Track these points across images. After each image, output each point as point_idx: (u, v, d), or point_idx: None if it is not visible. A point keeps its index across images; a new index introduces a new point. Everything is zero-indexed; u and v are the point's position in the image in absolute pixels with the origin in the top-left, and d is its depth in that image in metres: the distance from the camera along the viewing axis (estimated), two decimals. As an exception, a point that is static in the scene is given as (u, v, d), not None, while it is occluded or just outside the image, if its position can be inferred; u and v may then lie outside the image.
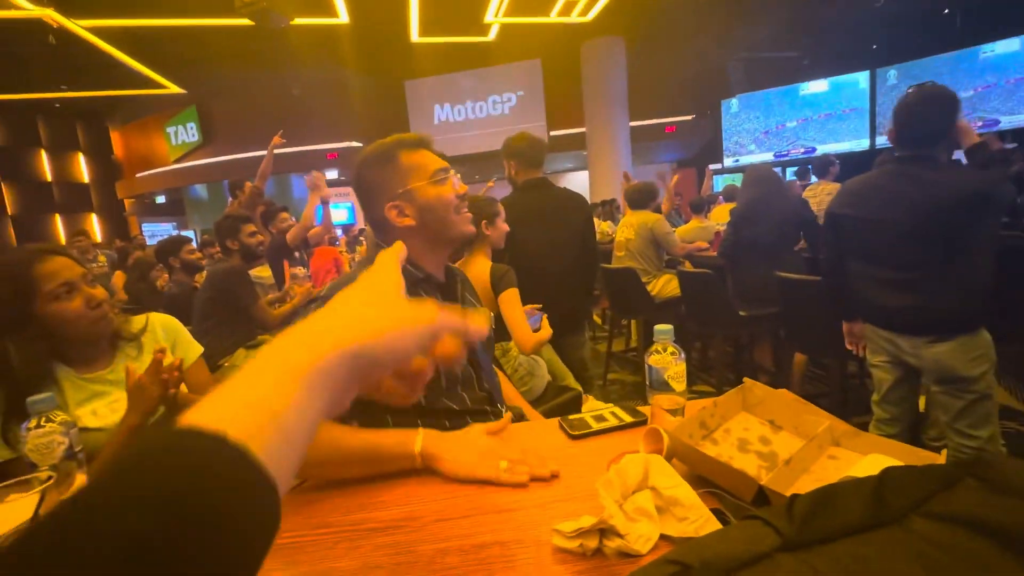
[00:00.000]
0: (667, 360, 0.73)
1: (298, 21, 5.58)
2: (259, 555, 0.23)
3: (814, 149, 7.67)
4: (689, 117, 10.09)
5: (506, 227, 1.75)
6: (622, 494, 0.57)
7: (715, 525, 0.50)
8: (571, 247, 2.10)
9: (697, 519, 0.52)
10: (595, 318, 4.80)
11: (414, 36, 7.38)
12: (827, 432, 0.68)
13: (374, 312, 0.32)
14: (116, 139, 11.27)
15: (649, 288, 3.20)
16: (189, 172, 10.75)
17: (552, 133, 9.02)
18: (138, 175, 11.07)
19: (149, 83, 8.30)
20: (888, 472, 0.43)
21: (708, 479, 0.62)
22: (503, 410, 0.96)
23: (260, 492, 0.23)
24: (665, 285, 3.24)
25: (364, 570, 0.54)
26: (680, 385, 0.73)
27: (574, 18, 6.89)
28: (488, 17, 6.71)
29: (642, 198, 3.28)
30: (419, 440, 0.73)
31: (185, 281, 2.76)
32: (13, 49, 6.34)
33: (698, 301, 2.85)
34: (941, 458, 0.59)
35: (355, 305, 0.33)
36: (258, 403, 0.26)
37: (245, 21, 5.21)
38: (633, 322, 3.80)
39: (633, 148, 8.21)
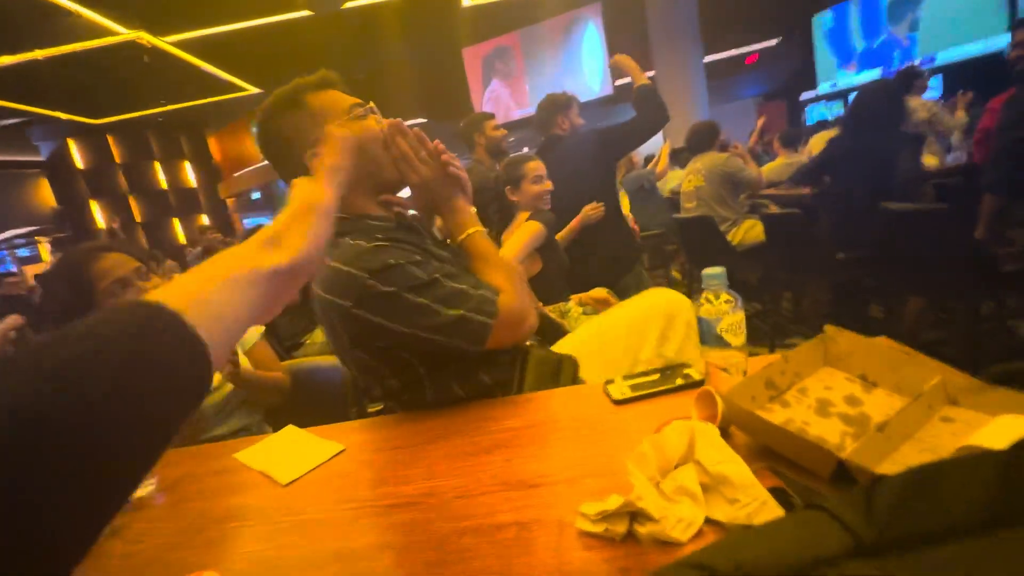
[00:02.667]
0: (720, 309, 0.60)
1: (348, 5, 5.64)
2: (182, 406, 0.28)
3: (932, 59, 6.49)
4: (773, 42, 8.96)
5: (535, 188, 1.63)
6: (661, 470, 0.48)
7: (774, 511, 0.40)
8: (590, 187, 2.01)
9: (750, 502, 0.41)
10: (674, 273, 4.52)
11: (464, 0, 7.19)
12: (939, 387, 0.53)
13: (296, 232, 0.37)
14: (213, 144, 12.38)
15: (730, 237, 2.92)
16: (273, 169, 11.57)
17: (617, 83, 8.46)
18: (235, 175, 12.14)
19: (231, 87, 8.94)
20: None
21: (778, 452, 0.51)
22: None
23: (192, 347, 0.28)
24: (748, 232, 2.93)
25: (375, 549, 0.51)
26: (737, 339, 0.61)
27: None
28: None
29: (702, 139, 2.94)
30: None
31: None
32: (115, 73, 7.08)
33: (787, 246, 2.54)
34: None
35: (278, 229, 0.38)
36: (196, 292, 0.30)
37: (304, 12, 5.35)
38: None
39: (708, 87, 7.47)
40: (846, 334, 0.63)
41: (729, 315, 0.60)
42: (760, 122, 4.53)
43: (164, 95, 8.96)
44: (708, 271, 0.61)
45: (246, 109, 10.89)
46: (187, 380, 0.28)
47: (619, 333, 0.97)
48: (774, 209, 3.00)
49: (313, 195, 0.39)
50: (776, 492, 0.42)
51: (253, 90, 9.48)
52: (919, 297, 2.15)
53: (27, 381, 0.22)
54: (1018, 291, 1.80)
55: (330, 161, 0.42)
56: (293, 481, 0.68)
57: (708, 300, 0.62)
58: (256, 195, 13.69)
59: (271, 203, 13.45)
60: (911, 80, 3.51)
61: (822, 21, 7.27)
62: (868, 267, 2.31)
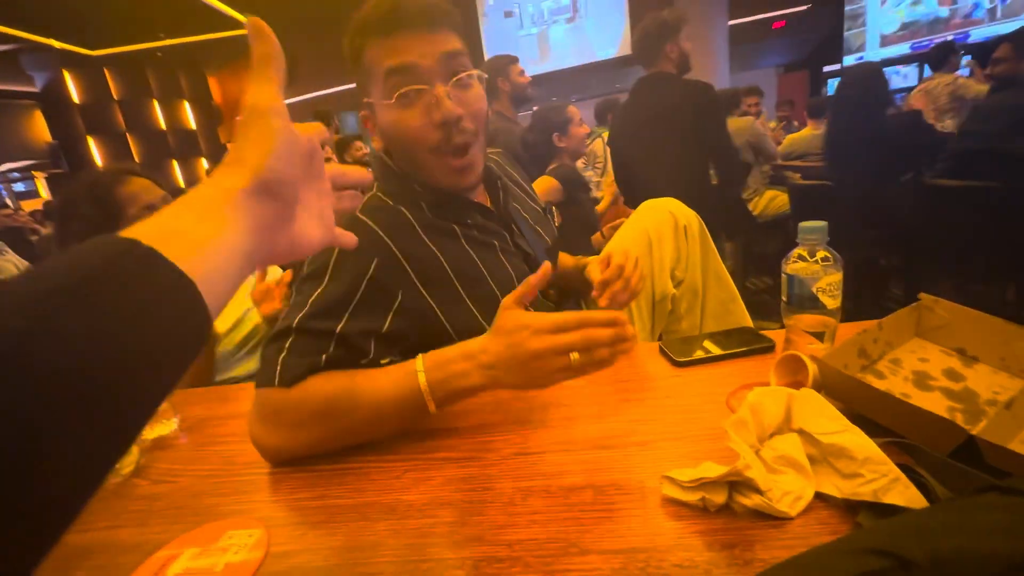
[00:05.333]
0: (816, 268, 0.54)
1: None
2: (180, 354, 0.24)
3: (967, 35, 6.20)
4: (804, 7, 8.54)
5: (583, 130, 1.54)
6: (758, 437, 0.43)
7: (909, 491, 0.35)
8: (670, 152, 1.78)
9: (876, 478, 0.37)
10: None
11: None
12: (1062, 366, 0.48)
13: (252, 143, 0.32)
14: (214, 85, 11.93)
15: (751, 206, 2.83)
16: (277, 113, 11.20)
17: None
18: (237, 118, 11.78)
19: (234, 24, 8.52)
20: None
21: (881, 426, 0.46)
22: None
23: (175, 285, 0.24)
24: (770, 203, 2.85)
25: (433, 505, 0.46)
26: (834, 301, 0.55)
27: None
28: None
29: (728, 101, 2.86)
30: (422, 379, 0.53)
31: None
32: (112, 1, 6.72)
33: (812, 219, 2.46)
34: None
35: (237, 146, 0.33)
36: (170, 225, 0.26)
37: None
38: (729, 246, 3.45)
39: (732, 52, 7.16)
40: (944, 303, 0.57)
41: (826, 274, 0.54)
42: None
43: (163, 28, 8.56)
44: (806, 224, 0.55)
45: (248, 51, 10.45)
46: (178, 318, 0.23)
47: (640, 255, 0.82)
48: (799, 180, 2.90)
49: (255, 100, 0.33)
50: (903, 468, 0.37)
51: (256, 28, 9.08)
52: (946, 280, 2.10)
53: None
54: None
55: (255, 54, 0.35)
56: (328, 428, 0.63)
57: (802, 257, 0.55)
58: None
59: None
60: (946, 56, 3.37)
61: (857, -12, 6.90)
62: (894, 246, 2.25)
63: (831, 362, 0.49)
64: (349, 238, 0.40)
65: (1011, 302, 2.29)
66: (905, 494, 0.35)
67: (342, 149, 3.16)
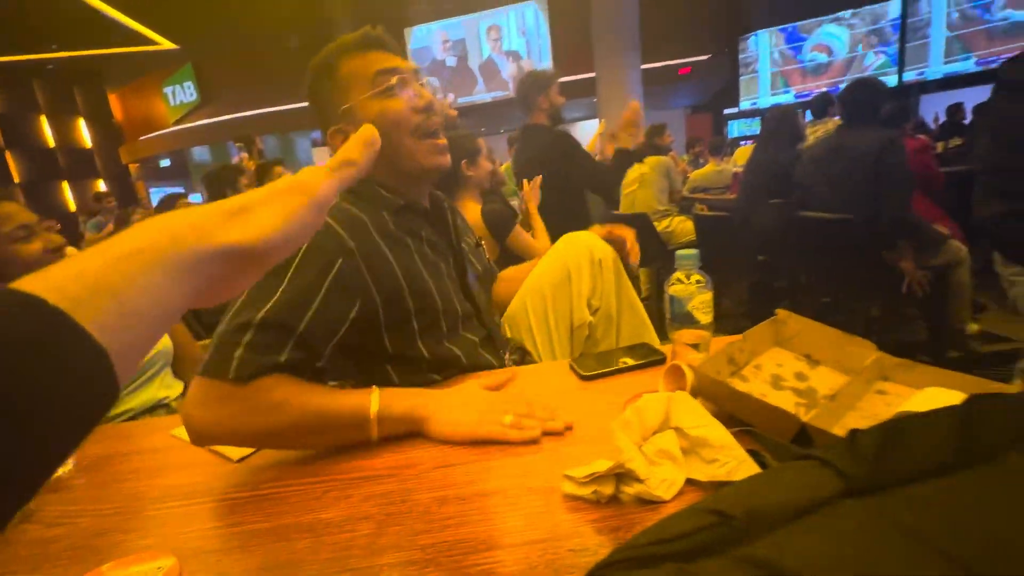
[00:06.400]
0: (691, 289, 0.64)
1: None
2: (77, 425, 0.21)
3: (837, 88, 7.22)
4: (705, 57, 9.53)
5: (489, 165, 1.63)
6: (641, 435, 0.49)
7: (752, 468, 0.43)
8: (549, 190, 2.04)
9: (729, 461, 0.44)
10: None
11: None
12: (875, 365, 0.60)
13: (274, 208, 0.30)
14: (115, 102, 11.04)
15: (663, 227, 3.09)
16: (190, 134, 10.55)
17: (560, 80, 8.59)
18: (141, 139, 10.91)
19: (139, 38, 8.02)
20: (976, 402, 0.35)
21: (740, 419, 0.55)
22: (505, 357, 0.88)
23: (80, 353, 0.21)
24: (678, 226, 3.13)
25: (351, 521, 0.48)
26: (706, 316, 0.65)
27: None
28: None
29: (648, 143, 3.21)
30: (375, 401, 0.60)
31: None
32: (-2, 7, 6.11)
33: (713, 246, 2.73)
34: (1015, 388, 0.51)
35: (254, 199, 0.30)
36: (95, 276, 0.22)
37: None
38: (643, 272, 3.71)
39: (645, 92, 7.81)
40: (795, 317, 0.69)
41: (699, 294, 0.64)
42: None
43: (57, 39, 7.86)
44: (681, 252, 0.64)
45: (158, 66, 9.82)
46: (77, 396, 0.21)
47: (556, 292, 0.94)
48: (704, 211, 3.21)
49: (310, 179, 0.32)
50: (751, 452, 0.45)
51: (167, 45, 8.57)
52: (826, 298, 2.40)
53: None
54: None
55: (344, 155, 0.34)
56: (246, 457, 0.63)
57: (680, 280, 0.65)
58: (165, 162, 12.40)
59: (184, 172, 12.24)
60: (825, 107, 3.91)
61: (747, 41, 7.85)
62: (782, 269, 2.55)
63: (704, 370, 0.58)
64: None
65: (876, 317, 2.66)
66: (750, 473, 0.43)
67: (263, 174, 3.07)
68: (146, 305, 0.24)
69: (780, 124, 2.45)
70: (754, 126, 9.10)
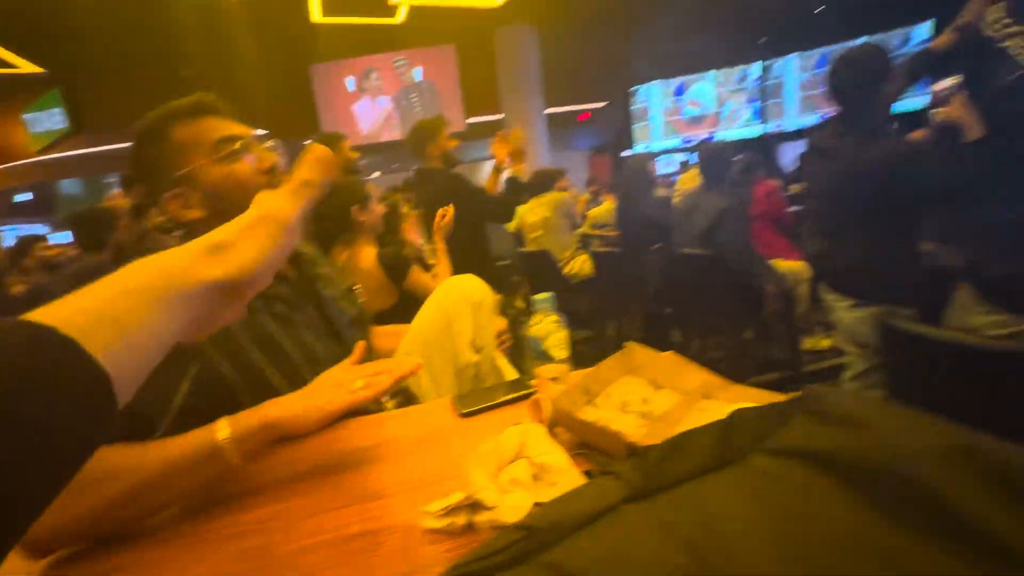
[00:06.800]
0: (547, 328, 0.72)
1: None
2: (82, 446, 0.23)
3: (711, 136, 8.22)
4: (601, 104, 10.42)
5: (382, 209, 1.69)
6: (498, 466, 0.55)
7: (583, 486, 0.50)
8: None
9: (567, 482, 0.51)
10: (517, 303, 4.85)
11: (317, 15, 6.93)
12: (700, 386, 0.71)
13: (251, 242, 0.33)
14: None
15: (567, 268, 3.28)
16: (58, 165, 9.42)
17: (468, 120, 8.91)
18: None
19: (-4, 61, 7.13)
20: (736, 413, 0.45)
21: (590, 444, 0.62)
22: (384, 399, 0.90)
23: (88, 378, 0.23)
24: (583, 265, 3.34)
25: (211, 581, 0.48)
26: (561, 353, 0.73)
27: (483, 3, 6.81)
28: (395, -2, 6.43)
29: (546, 181, 3.42)
30: (223, 427, 0.59)
31: (44, 281, 2.41)
32: None
33: (609, 280, 2.95)
34: (783, 397, 0.63)
35: (231, 232, 0.34)
36: (99, 310, 0.25)
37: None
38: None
39: (551, 134, 8.33)
40: (641, 348, 0.79)
41: (555, 333, 0.72)
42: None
43: None
44: (537, 296, 0.72)
45: (17, 91, 8.73)
46: (83, 418, 0.23)
47: (439, 338, 0.98)
48: (601, 247, 3.47)
49: (275, 205, 0.35)
50: (588, 473, 0.52)
51: (29, 69, 7.69)
52: (707, 326, 2.68)
53: None
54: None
55: (302, 176, 0.37)
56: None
57: (537, 321, 0.73)
58: (23, 196, 10.90)
59: (45, 207, 10.81)
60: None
61: (637, 92, 8.71)
62: (668, 301, 2.82)
63: (560, 402, 0.65)
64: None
65: (750, 340, 3.00)
66: (582, 490, 0.49)
67: (138, 214, 2.84)
68: (145, 337, 0.26)
69: (636, 175, 2.80)
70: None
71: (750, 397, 0.67)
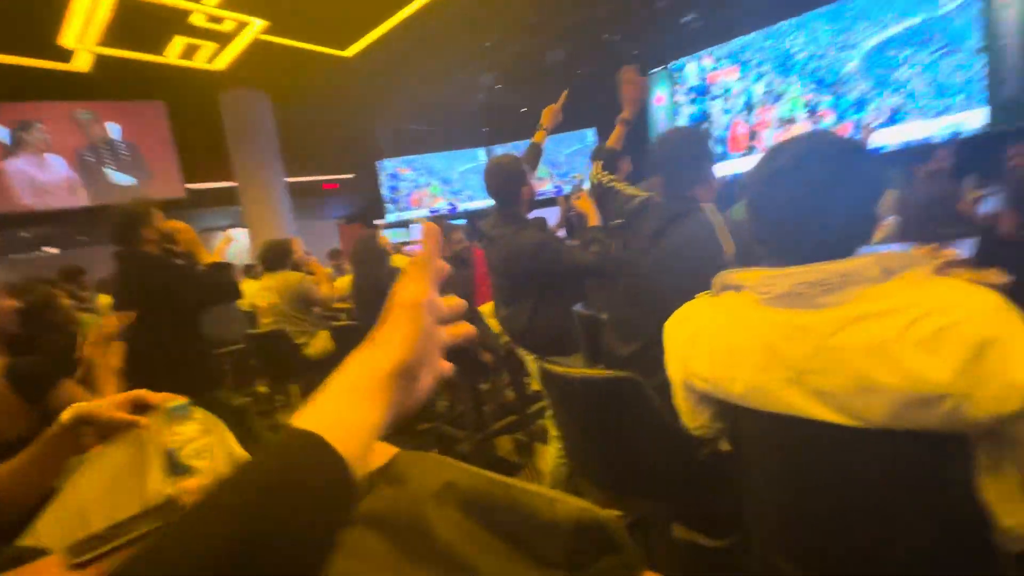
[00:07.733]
0: (187, 436, 0.67)
1: None
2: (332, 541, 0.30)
3: (455, 208, 9.19)
4: (350, 176, 10.54)
5: (11, 303, 1.40)
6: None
7: None
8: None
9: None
10: (260, 388, 4.31)
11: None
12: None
13: (400, 333, 0.38)
14: None
15: (309, 350, 3.09)
16: None
17: (190, 186, 7.80)
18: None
19: None
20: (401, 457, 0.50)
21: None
22: None
23: (340, 475, 0.30)
24: (326, 343, 3.20)
25: None
26: (203, 462, 0.68)
27: (201, 64, 6.25)
28: (70, 41, 5.33)
29: (276, 257, 3.18)
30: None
31: None
32: None
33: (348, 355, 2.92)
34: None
35: (388, 333, 0.38)
36: (350, 419, 0.33)
37: None
38: (295, 389, 3.59)
39: (298, 203, 7.94)
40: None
41: (195, 441, 0.68)
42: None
43: None
44: (167, 405, 0.67)
45: None
46: (338, 502, 0.30)
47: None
48: (344, 322, 3.41)
49: (408, 292, 0.39)
50: None
51: None
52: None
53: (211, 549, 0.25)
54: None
55: (426, 256, 0.41)
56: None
57: (175, 432, 0.67)
58: None
59: None
60: (450, 227, 4.85)
61: (384, 165, 9.16)
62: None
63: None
64: (447, 366, 0.43)
65: (487, 390, 3.32)
66: None
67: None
68: (366, 424, 0.34)
69: (366, 247, 2.94)
70: (403, 235, 10.48)
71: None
